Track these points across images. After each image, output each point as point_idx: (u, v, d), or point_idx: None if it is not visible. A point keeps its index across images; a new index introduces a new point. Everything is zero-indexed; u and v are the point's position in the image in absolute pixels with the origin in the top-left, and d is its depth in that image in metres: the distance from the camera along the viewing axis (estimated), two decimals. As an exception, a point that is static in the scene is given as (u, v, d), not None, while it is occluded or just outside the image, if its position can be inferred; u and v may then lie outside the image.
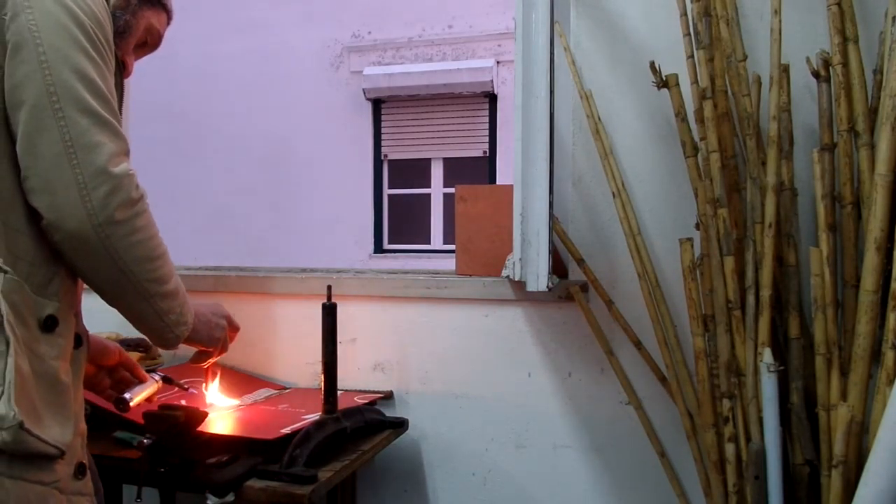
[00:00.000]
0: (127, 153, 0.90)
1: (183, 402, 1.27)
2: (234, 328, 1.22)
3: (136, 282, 0.91)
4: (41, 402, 0.83)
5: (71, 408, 0.89)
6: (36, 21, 0.83)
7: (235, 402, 1.37)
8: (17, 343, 0.81)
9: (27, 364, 0.82)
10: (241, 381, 1.47)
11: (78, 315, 0.96)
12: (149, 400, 1.17)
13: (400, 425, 1.38)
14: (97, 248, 0.87)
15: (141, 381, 1.17)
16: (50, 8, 0.84)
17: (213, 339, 1.16)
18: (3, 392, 0.78)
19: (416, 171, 5.79)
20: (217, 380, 1.33)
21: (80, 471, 0.88)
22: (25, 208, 0.86)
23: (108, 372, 1.15)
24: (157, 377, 1.20)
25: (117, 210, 0.86)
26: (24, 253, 0.85)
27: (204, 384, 1.32)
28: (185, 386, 1.27)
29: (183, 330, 1.02)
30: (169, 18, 1.13)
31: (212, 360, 1.22)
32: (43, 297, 0.87)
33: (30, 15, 0.82)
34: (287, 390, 1.48)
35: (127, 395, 1.11)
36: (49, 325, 0.86)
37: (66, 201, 0.84)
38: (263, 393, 1.44)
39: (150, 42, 1.10)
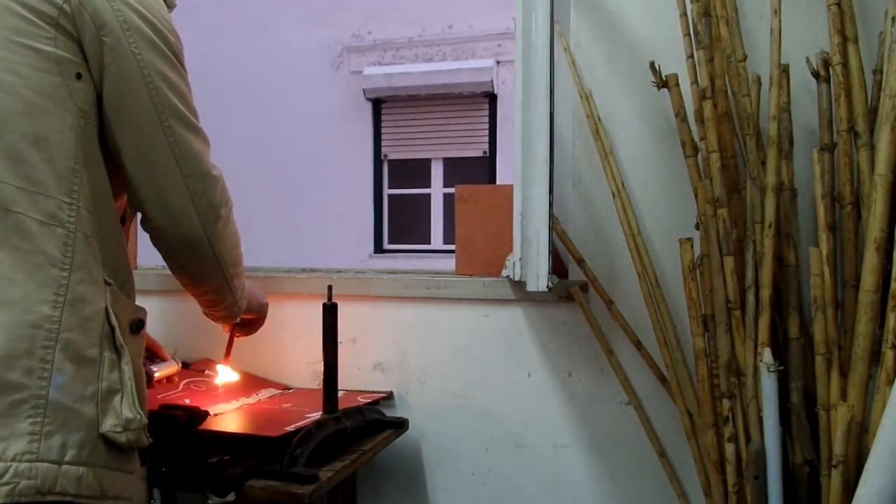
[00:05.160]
0: (210, 153, 1.01)
1: (187, 402, 1.27)
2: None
3: (224, 267, 1.06)
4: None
5: (146, 399, 0.96)
6: (137, 45, 0.89)
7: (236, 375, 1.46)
8: (127, 351, 0.88)
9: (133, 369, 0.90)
10: (245, 381, 1.47)
11: None
12: (169, 379, 1.28)
13: (400, 425, 1.38)
14: (204, 245, 0.99)
15: (163, 360, 1.28)
16: (146, 31, 0.90)
17: (263, 306, 1.32)
18: (123, 395, 0.86)
19: (416, 171, 5.79)
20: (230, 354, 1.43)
21: (143, 458, 0.95)
22: (112, 215, 0.93)
23: None
24: (177, 360, 1.30)
25: (221, 209, 1.00)
26: (110, 260, 0.91)
27: (224, 356, 1.40)
28: (202, 369, 1.41)
29: (244, 301, 1.18)
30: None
31: (254, 332, 1.35)
32: (129, 298, 0.95)
33: (131, 38, 0.89)
34: (290, 390, 1.48)
35: (153, 368, 1.23)
36: (137, 327, 0.94)
37: (178, 207, 0.95)
38: (266, 393, 1.44)
39: None
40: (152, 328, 1.49)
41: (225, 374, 1.42)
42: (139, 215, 1.01)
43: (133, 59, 0.89)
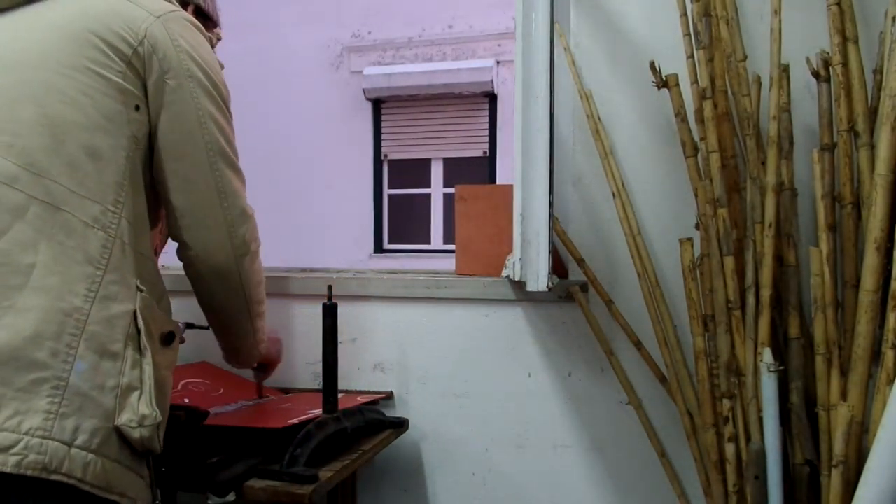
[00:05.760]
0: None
1: (186, 401, 1.27)
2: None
3: (249, 304, 1.12)
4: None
5: (167, 411, 0.99)
6: (196, 91, 1.01)
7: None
8: (150, 353, 0.92)
9: (154, 372, 0.93)
10: (242, 384, 1.47)
11: None
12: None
13: (400, 425, 1.38)
14: (234, 277, 1.07)
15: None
16: (203, 80, 1.02)
17: (279, 353, 1.37)
18: (141, 393, 0.90)
19: (416, 171, 5.79)
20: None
21: (150, 465, 0.97)
22: (149, 236, 1.01)
23: None
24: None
25: (252, 244, 1.08)
26: (148, 276, 0.98)
27: (257, 395, 1.43)
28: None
29: (264, 346, 1.23)
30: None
31: (267, 377, 1.39)
32: (163, 311, 1.00)
33: (192, 85, 1.00)
34: (288, 394, 1.48)
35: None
36: (168, 339, 0.98)
37: (217, 238, 1.04)
38: (266, 397, 1.44)
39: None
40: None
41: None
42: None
43: (191, 103, 1.00)
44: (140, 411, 0.88)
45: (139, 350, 0.91)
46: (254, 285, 1.12)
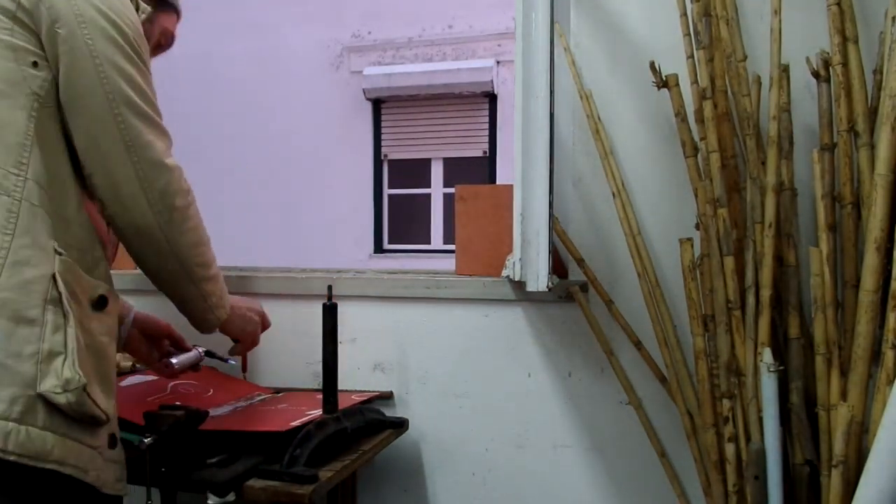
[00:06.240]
0: (171, 147, 1.03)
1: (177, 404, 1.27)
2: (265, 325, 1.34)
3: (187, 266, 1.04)
4: (91, 371, 0.91)
5: (113, 380, 0.97)
6: (91, 36, 0.94)
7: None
8: (74, 317, 0.89)
9: (81, 337, 0.91)
10: (231, 383, 1.47)
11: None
12: (193, 368, 1.31)
13: (400, 425, 1.38)
14: (157, 236, 0.99)
15: (185, 351, 1.30)
16: (101, 24, 0.95)
17: (246, 333, 1.28)
18: (66, 358, 0.87)
19: (416, 171, 5.79)
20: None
21: (113, 441, 0.95)
22: (76, 199, 0.96)
23: (156, 344, 1.27)
24: (200, 349, 1.32)
25: (175, 198, 1.00)
26: (74, 241, 0.94)
27: (243, 372, 1.43)
28: (225, 358, 1.36)
29: (221, 313, 1.15)
30: (178, 17, 1.23)
31: (244, 353, 1.35)
32: (91, 276, 0.96)
33: (85, 30, 0.93)
34: (280, 394, 1.48)
35: (174, 360, 1.27)
36: (100, 304, 0.95)
37: (129, 194, 0.96)
38: (258, 397, 1.44)
39: (164, 43, 1.21)
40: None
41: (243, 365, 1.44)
42: None
43: (86, 49, 0.93)
44: (64, 375, 0.86)
45: (62, 314, 0.88)
46: (187, 246, 1.04)
